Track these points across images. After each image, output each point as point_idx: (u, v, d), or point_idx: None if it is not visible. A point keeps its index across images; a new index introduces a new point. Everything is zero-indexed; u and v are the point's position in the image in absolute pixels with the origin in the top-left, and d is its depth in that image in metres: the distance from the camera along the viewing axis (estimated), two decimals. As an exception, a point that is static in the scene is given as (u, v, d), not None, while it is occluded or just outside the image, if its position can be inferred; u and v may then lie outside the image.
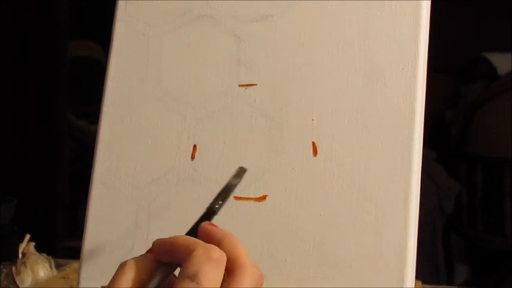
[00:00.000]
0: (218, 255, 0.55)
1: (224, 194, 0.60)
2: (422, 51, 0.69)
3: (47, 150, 2.34)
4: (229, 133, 0.70)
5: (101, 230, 0.70)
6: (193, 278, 0.54)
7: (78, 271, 0.70)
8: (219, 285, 0.55)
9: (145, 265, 0.57)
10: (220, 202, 0.60)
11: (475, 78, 2.81)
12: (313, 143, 0.69)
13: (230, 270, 0.56)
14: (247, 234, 0.68)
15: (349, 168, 0.67)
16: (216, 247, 0.56)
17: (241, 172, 0.61)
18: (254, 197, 0.69)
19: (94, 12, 2.47)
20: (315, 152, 0.69)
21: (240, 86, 0.71)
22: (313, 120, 0.69)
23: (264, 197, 0.69)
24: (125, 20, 0.75)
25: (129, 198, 0.71)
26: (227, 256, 0.56)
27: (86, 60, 2.73)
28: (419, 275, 0.71)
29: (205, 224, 0.59)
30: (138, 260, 0.58)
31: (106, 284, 0.69)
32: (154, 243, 0.58)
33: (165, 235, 0.69)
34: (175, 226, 0.69)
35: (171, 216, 0.69)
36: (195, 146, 0.71)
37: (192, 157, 0.71)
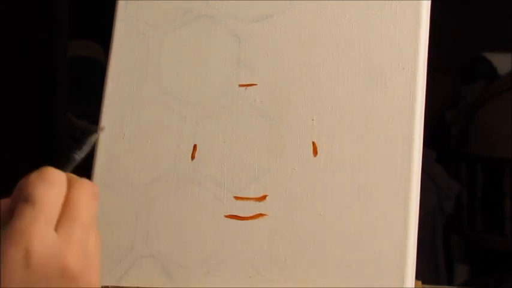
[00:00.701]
0: (51, 174, 0.55)
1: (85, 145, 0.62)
2: (422, 51, 0.69)
3: (47, 150, 2.34)
4: (229, 133, 0.70)
5: (101, 230, 0.70)
6: (27, 199, 0.54)
7: (78, 271, 0.70)
8: (58, 204, 0.54)
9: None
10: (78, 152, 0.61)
11: (475, 78, 2.81)
12: (313, 143, 0.69)
13: (68, 186, 0.55)
14: (247, 234, 0.68)
15: (349, 168, 0.67)
16: (51, 168, 0.55)
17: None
18: (254, 197, 0.69)
19: (94, 12, 2.47)
20: (315, 152, 0.69)
21: (240, 86, 0.71)
22: (313, 120, 0.69)
23: (264, 197, 0.69)
24: (125, 20, 0.75)
25: (129, 198, 0.71)
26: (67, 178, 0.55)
27: (86, 60, 2.73)
28: (419, 275, 0.71)
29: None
30: None
31: (106, 284, 0.69)
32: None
33: (165, 235, 0.69)
34: (175, 226, 0.69)
35: (171, 216, 0.69)
36: (195, 146, 0.71)
37: (192, 157, 0.71)
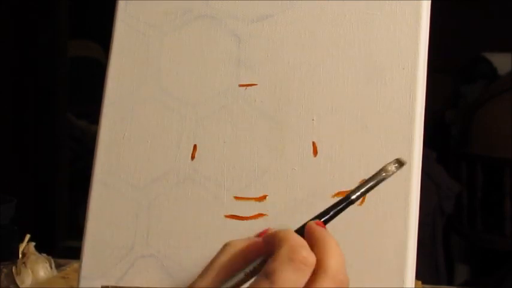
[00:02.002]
0: (302, 257, 0.52)
1: (369, 183, 0.58)
2: (422, 51, 0.69)
3: (47, 150, 2.34)
4: (229, 133, 0.70)
5: (101, 230, 0.70)
6: (268, 275, 0.52)
7: (78, 271, 0.70)
8: None
9: (248, 250, 0.55)
10: (361, 191, 0.58)
11: (475, 78, 2.81)
12: (313, 143, 0.69)
13: (314, 272, 0.53)
14: (247, 234, 0.68)
15: (349, 168, 0.67)
16: (305, 248, 0.53)
17: (399, 163, 0.59)
18: (254, 197, 0.69)
19: (94, 12, 2.47)
20: (315, 152, 0.69)
21: (240, 86, 0.71)
22: (313, 120, 0.69)
23: (264, 197, 0.69)
24: (125, 20, 0.75)
25: (129, 198, 0.71)
26: (317, 258, 0.52)
27: (86, 60, 2.73)
28: (419, 275, 0.71)
29: (311, 223, 0.56)
30: (242, 242, 0.56)
31: (106, 284, 0.69)
32: (265, 235, 0.56)
33: (165, 235, 0.69)
34: (175, 226, 0.69)
35: (171, 216, 0.69)
36: (195, 146, 0.71)
37: (192, 157, 0.71)
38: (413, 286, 0.65)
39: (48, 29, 2.33)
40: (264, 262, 0.54)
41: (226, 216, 0.69)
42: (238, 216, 0.68)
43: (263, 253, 0.55)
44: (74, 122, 2.59)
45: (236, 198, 0.69)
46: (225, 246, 0.57)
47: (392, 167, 0.60)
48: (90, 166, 0.72)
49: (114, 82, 0.73)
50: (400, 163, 0.60)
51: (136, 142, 0.72)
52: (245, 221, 0.68)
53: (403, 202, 0.66)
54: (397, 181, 0.66)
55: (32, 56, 2.32)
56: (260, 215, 0.68)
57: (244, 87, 0.71)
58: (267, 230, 0.58)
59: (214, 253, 0.67)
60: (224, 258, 0.56)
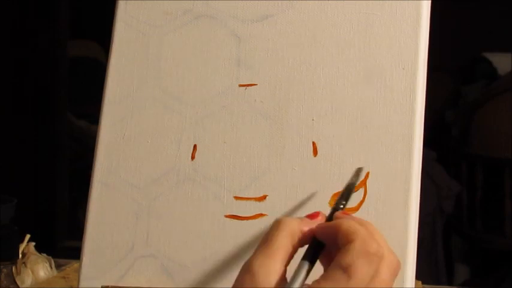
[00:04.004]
0: (375, 250, 0.56)
1: (346, 193, 0.63)
2: (422, 51, 0.69)
3: (47, 150, 2.34)
4: (229, 133, 0.70)
5: (101, 230, 0.70)
6: (345, 269, 0.55)
7: (78, 271, 0.70)
8: (370, 279, 0.55)
9: (303, 233, 0.58)
10: (344, 202, 0.63)
11: (475, 78, 2.81)
12: (313, 143, 0.69)
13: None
14: (248, 234, 0.68)
15: (349, 168, 0.67)
16: (374, 240, 0.56)
17: (359, 171, 0.64)
18: (254, 197, 0.69)
19: (94, 12, 2.47)
20: (315, 152, 0.69)
21: (240, 86, 0.71)
22: (313, 120, 0.69)
23: (264, 197, 0.69)
24: (125, 20, 0.75)
25: (129, 198, 0.71)
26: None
27: (86, 60, 2.73)
28: (419, 275, 0.71)
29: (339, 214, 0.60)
30: (296, 223, 0.58)
31: (106, 284, 0.69)
32: (318, 226, 0.59)
33: (165, 235, 0.69)
34: (175, 226, 0.69)
35: (171, 216, 0.70)
36: (195, 146, 0.71)
37: (192, 157, 0.71)
38: (413, 286, 0.65)
39: (48, 29, 2.33)
40: (318, 247, 0.57)
41: (226, 216, 0.69)
42: (238, 216, 0.69)
43: (320, 237, 0.58)
44: (74, 122, 2.59)
45: (236, 198, 0.69)
46: (279, 223, 0.59)
47: (356, 178, 0.65)
48: (90, 166, 0.72)
49: (114, 82, 0.73)
50: (359, 170, 0.65)
51: (136, 142, 0.72)
52: (245, 221, 0.68)
53: (403, 202, 0.66)
54: (397, 181, 0.66)
55: (32, 56, 2.32)
56: (260, 215, 0.68)
57: (244, 87, 0.71)
58: (318, 213, 0.61)
59: (214, 253, 0.67)
60: (282, 237, 0.58)
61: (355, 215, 0.66)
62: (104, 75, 0.74)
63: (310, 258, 0.57)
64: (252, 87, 0.71)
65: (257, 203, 0.69)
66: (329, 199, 0.67)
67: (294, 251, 0.58)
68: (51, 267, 0.98)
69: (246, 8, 0.73)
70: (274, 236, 0.58)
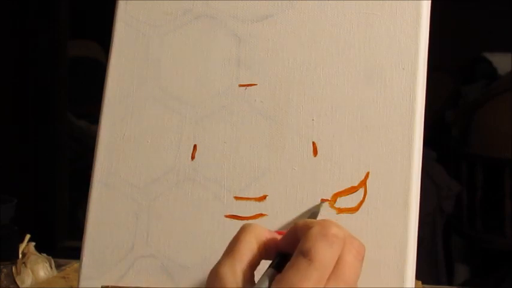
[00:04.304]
0: (334, 231, 0.55)
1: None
2: (422, 51, 0.69)
3: (47, 150, 2.34)
4: (229, 133, 0.70)
5: (101, 230, 0.70)
6: (305, 254, 0.54)
7: (78, 271, 0.70)
8: (333, 262, 0.55)
9: (269, 241, 0.58)
10: None
11: (475, 78, 2.81)
12: (313, 143, 0.69)
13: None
14: (247, 234, 0.68)
15: (349, 168, 0.67)
16: (334, 224, 0.56)
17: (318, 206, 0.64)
18: (254, 197, 0.69)
19: (94, 12, 2.47)
20: (315, 152, 0.69)
21: (240, 86, 0.71)
22: (313, 120, 0.69)
23: (264, 197, 0.69)
24: (125, 20, 0.75)
25: (129, 198, 0.71)
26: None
27: (86, 60, 2.73)
28: (419, 275, 0.71)
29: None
30: (264, 231, 0.58)
31: (106, 284, 0.69)
32: (282, 237, 0.58)
33: (165, 235, 0.69)
34: (175, 226, 0.69)
35: (171, 216, 0.70)
36: (195, 146, 0.71)
37: (192, 157, 0.71)
38: (413, 286, 0.65)
39: (48, 29, 2.33)
40: (284, 258, 0.57)
41: (226, 216, 0.69)
42: (238, 216, 0.69)
43: (282, 248, 0.58)
44: (74, 122, 2.59)
45: (236, 198, 0.69)
46: (247, 228, 0.59)
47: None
48: (90, 166, 0.72)
49: (114, 82, 0.73)
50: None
51: (136, 142, 0.72)
52: (245, 221, 0.68)
53: (403, 202, 0.66)
54: (397, 181, 0.66)
55: (32, 56, 2.32)
56: (260, 215, 0.68)
57: (244, 87, 0.71)
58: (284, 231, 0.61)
59: (214, 253, 0.67)
60: (248, 241, 0.58)
61: (355, 215, 0.66)
62: (104, 75, 0.74)
63: (276, 266, 0.57)
64: (252, 87, 0.71)
65: (257, 203, 0.69)
66: (329, 199, 0.67)
67: (260, 257, 0.58)
68: (51, 267, 0.98)
69: (246, 8, 0.73)
70: (240, 240, 0.58)
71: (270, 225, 0.68)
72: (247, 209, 0.69)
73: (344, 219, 0.67)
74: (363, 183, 0.67)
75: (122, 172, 0.71)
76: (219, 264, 0.57)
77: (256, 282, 0.56)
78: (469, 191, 2.44)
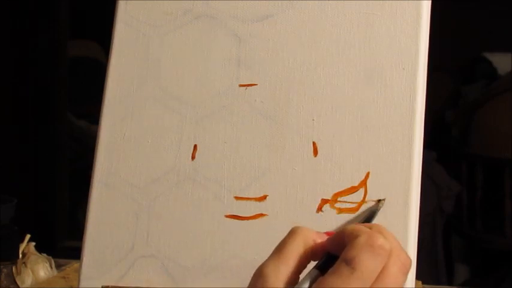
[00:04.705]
0: (380, 243, 0.55)
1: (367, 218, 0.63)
2: (422, 51, 0.69)
3: (47, 150, 2.34)
4: (229, 133, 0.70)
5: (101, 230, 0.70)
6: (349, 262, 0.54)
7: (78, 271, 0.70)
8: (376, 274, 0.54)
9: (317, 243, 0.58)
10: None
11: (475, 78, 2.81)
12: (314, 143, 0.69)
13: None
14: (247, 234, 0.68)
15: (349, 168, 0.67)
16: (381, 235, 0.56)
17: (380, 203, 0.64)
18: (254, 197, 0.69)
19: (94, 12, 2.47)
20: (315, 152, 0.69)
21: (240, 86, 0.71)
22: (313, 120, 0.69)
23: (264, 197, 0.69)
24: (125, 20, 0.75)
25: (129, 198, 0.71)
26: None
27: (86, 60, 2.73)
28: (419, 275, 0.71)
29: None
30: (312, 233, 0.58)
31: (106, 284, 0.69)
32: (329, 238, 0.58)
33: (165, 235, 0.69)
34: (175, 226, 0.69)
35: (171, 216, 0.70)
36: (195, 146, 0.71)
37: (192, 157, 0.71)
38: (413, 286, 0.65)
39: (48, 29, 2.33)
40: (331, 259, 0.57)
41: (226, 216, 0.69)
42: (238, 216, 0.69)
43: (329, 249, 0.58)
44: (74, 122, 2.59)
45: (236, 198, 0.69)
46: (296, 231, 0.59)
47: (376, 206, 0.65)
48: (90, 166, 0.72)
49: (114, 82, 0.73)
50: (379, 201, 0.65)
51: (136, 142, 0.72)
52: (245, 221, 0.68)
53: (403, 202, 0.66)
54: (398, 181, 0.66)
55: (32, 56, 2.32)
56: (260, 215, 0.68)
57: (244, 87, 0.71)
58: (334, 232, 0.61)
59: (214, 253, 0.67)
60: (295, 244, 0.58)
61: (355, 215, 0.66)
62: (104, 75, 0.74)
63: (320, 267, 0.57)
64: (252, 87, 0.71)
65: (257, 203, 0.69)
66: (329, 199, 0.67)
67: (307, 260, 0.58)
68: (51, 267, 0.98)
69: (246, 8, 0.73)
70: (288, 243, 0.58)
71: (270, 225, 0.68)
72: (248, 209, 0.69)
73: (344, 219, 0.67)
74: (363, 183, 0.67)
75: (122, 172, 0.71)
76: (264, 264, 0.57)
77: None
78: (469, 191, 2.44)
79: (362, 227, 0.57)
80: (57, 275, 0.98)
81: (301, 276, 0.57)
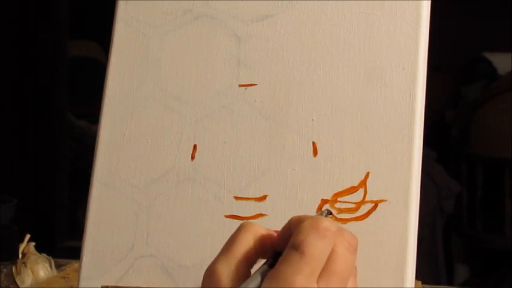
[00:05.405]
0: (326, 225, 0.55)
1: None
2: (422, 51, 0.69)
3: (47, 150, 2.34)
4: (229, 133, 0.70)
5: (101, 230, 0.70)
6: (297, 247, 0.54)
7: (78, 271, 0.70)
8: (325, 256, 0.54)
9: (266, 239, 0.58)
10: None
11: (475, 78, 2.81)
12: (313, 143, 0.69)
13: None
14: (247, 234, 0.68)
15: (349, 168, 0.67)
16: (325, 218, 0.56)
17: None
18: (254, 197, 0.69)
19: (94, 12, 2.47)
20: (315, 152, 0.69)
21: (240, 86, 0.71)
22: (313, 120, 0.69)
23: (264, 197, 0.69)
24: (125, 20, 0.75)
25: (129, 198, 0.71)
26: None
27: (86, 60, 2.73)
28: (419, 275, 0.71)
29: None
30: (261, 229, 0.58)
31: (106, 284, 0.69)
32: (277, 234, 0.58)
33: (165, 235, 0.69)
34: (175, 226, 0.69)
35: (171, 216, 0.70)
36: (195, 146, 0.71)
37: (192, 157, 0.71)
38: (413, 286, 0.65)
39: (48, 29, 2.33)
40: (279, 256, 0.56)
41: (226, 216, 0.69)
42: (238, 216, 0.69)
43: (277, 246, 0.57)
44: (74, 122, 2.59)
45: (236, 198, 0.69)
46: (245, 227, 0.59)
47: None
48: (90, 166, 0.72)
49: (114, 82, 0.73)
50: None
51: (136, 142, 0.72)
52: (245, 221, 0.68)
53: (403, 202, 0.66)
54: (397, 181, 0.66)
55: (32, 56, 2.32)
56: (260, 215, 0.68)
57: (244, 87, 0.71)
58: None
59: (214, 253, 0.67)
60: (245, 239, 0.58)
61: (355, 215, 0.66)
62: (104, 75, 0.74)
63: (270, 264, 0.56)
64: (252, 87, 0.71)
65: (257, 203, 0.69)
66: (329, 199, 0.67)
67: (257, 255, 0.58)
68: (51, 267, 0.98)
69: (246, 8, 0.73)
70: (238, 239, 0.58)
71: (270, 225, 0.68)
72: (247, 209, 0.69)
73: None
74: (363, 183, 0.67)
75: (122, 172, 0.71)
76: (214, 261, 0.57)
77: None
78: (469, 191, 2.44)
79: (306, 215, 0.57)
80: (57, 275, 0.98)
81: (253, 271, 0.57)
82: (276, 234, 0.59)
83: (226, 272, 0.56)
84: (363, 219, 0.66)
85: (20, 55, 2.32)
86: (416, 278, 0.67)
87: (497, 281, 2.22)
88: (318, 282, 0.54)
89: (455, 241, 2.57)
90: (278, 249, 0.58)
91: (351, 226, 0.66)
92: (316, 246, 0.54)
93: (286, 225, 0.58)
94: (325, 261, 0.55)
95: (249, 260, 0.57)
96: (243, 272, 0.56)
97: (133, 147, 0.72)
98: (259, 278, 0.55)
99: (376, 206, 0.66)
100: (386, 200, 0.66)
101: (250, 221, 0.59)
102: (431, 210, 2.34)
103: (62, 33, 2.39)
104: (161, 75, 0.73)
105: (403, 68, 0.69)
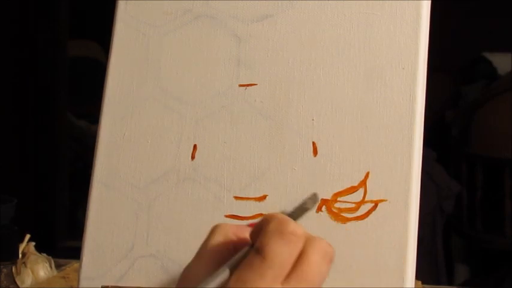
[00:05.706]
0: (292, 229, 0.53)
1: (296, 214, 0.59)
2: (422, 51, 0.69)
3: (47, 150, 2.34)
4: (229, 133, 0.70)
5: (101, 230, 0.70)
6: (259, 251, 0.53)
7: (78, 271, 0.70)
8: (290, 261, 0.53)
9: (236, 236, 0.56)
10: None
11: (475, 78, 2.81)
12: (313, 143, 0.69)
13: (304, 242, 0.54)
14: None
15: (349, 168, 0.67)
16: (292, 221, 0.54)
17: (314, 197, 0.60)
18: (254, 197, 0.69)
19: (94, 12, 2.47)
20: (315, 152, 0.69)
21: (240, 86, 0.71)
22: (313, 120, 0.69)
23: (264, 197, 0.69)
24: (125, 20, 0.75)
25: (129, 198, 0.71)
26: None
27: (86, 60, 2.73)
28: (419, 275, 0.71)
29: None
30: (232, 228, 0.57)
31: (106, 284, 0.69)
32: (251, 230, 0.57)
33: (165, 235, 0.69)
34: (175, 226, 0.69)
35: (171, 216, 0.70)
36: (195, 146, 0.71)
37: (192, 157, 0.71)
38: (413, 286, 0.65)
39: (48, 29, 2.33)
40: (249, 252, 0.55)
41: (226, 216, 0.69)
42: (238, 216, 0.69)
43: (253, 240, 0.56)
44: (74, 122, 2.59)
45: (236, 198, 0.69)
46: (214, 230, 0.57)
47: (311, 203, 0.60)
48: (90, 166, 0.72)
49: (114, 82, 0.73)
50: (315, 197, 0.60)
51: (136, 142, 0.72)
52: (245, 221, 0.68)
53: (403, 202, 0.66)
54: (397, 181, 0.66)
55: (32, 56, 2.32)
56: (260, 215, 0.68)
57: (244, 87, 0.71)
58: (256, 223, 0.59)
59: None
60: (216, 242, 0.57)
61: (355, 215, 0.66)
62: (104, 75, 0.74)
63: (231, 264, 0.55)
64: (252, 87, 0.71)
65: (257, 203, 0.69)
66: (329, 199, 0.67)
67: (230, 254, 0.56)
68: (51, 267, 0.98)
69: (246, 8, 0.73)
70: (207, 242, 0.57)
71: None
72: (247, 209, 0.69)
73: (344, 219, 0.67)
74: (363, 183, 0.67)
75: (122, 172, 0.71)
76: (187, 266, 0.57)
77: None
78: (469, 191, 2.44)
79: (277, 214, 0.55)
80: (57, 275, 0.98)
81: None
82: (249, 229, 0.57)
83: (195, 276, 0.55)
84: (363, 219, 0.66)
85: (20, 55, 2.32)
86: (416, 278, 0.67)
87: (497, 281, 2.22)
88: (284, 286, 0.53)
89: (455, 241, 2.57)
90: (253, 242, 0.56)
91: (351, 226, 0.66)
92: (279, 251, 0.53)
93: (259, 222, 0.56)
94: (290, 265, 0.53)
95: (220, 262, 0.56)
96: (214, 271, 0.56)
97: (133, 147, 0.72)
98: (227, 271, 0.54)
99: (376, 206, 0.66)
100: (386, 200, 0.66)
101: (220, 223, 0.58)
102: (431, 210, 2.34)
103: (62, 33, 2.39)
104: (161, 75, 0.73)
105: (403, 68, 0.69)
